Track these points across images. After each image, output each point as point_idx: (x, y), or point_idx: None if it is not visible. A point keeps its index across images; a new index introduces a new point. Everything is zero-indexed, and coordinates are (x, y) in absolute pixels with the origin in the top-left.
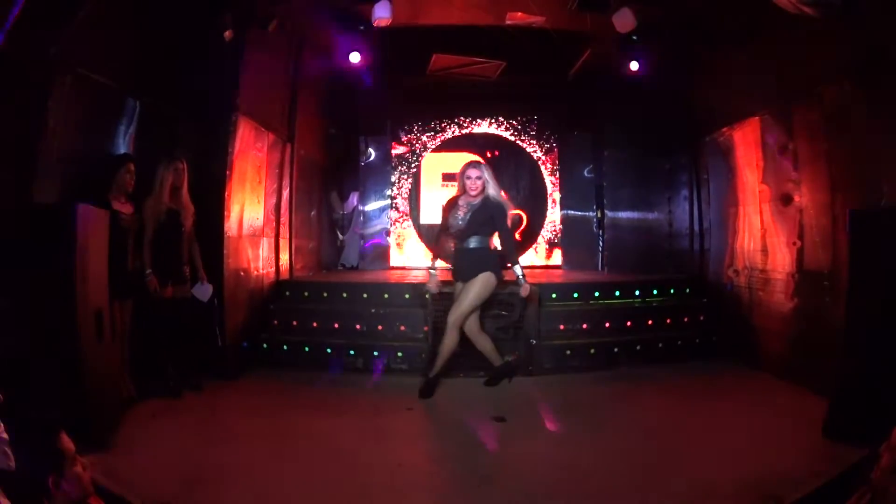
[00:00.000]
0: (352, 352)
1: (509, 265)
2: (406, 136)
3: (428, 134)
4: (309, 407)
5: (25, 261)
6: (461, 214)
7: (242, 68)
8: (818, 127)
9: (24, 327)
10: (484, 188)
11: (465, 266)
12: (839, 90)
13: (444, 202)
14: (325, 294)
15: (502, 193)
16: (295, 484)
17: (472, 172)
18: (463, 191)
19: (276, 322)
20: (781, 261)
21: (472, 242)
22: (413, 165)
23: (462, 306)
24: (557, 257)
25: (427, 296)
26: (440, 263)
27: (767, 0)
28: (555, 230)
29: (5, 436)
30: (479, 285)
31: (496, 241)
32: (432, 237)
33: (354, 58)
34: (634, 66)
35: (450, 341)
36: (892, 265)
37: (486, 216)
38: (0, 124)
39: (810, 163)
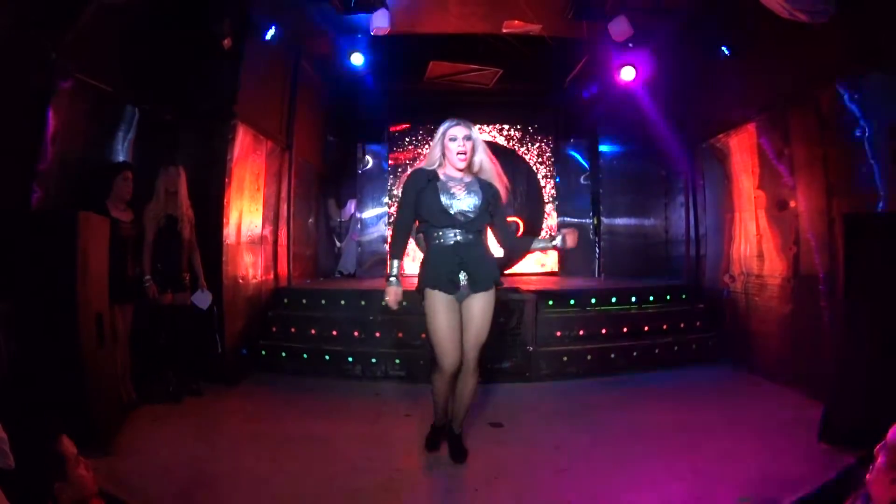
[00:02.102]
0: (350, 359)
1: (511, 259)
2: (403, 143)
3: (425, 141)
4: (307, 413)
5: (27, 266)
6: (460, 194)
7: (241, 76)
8: (813, 132)
9: (26, 332)
10: (472, 156)
11: (476, 270)
12: (834, 94)
13: (409, 178)
14: (324, 301)
15: (494, 163)
16: (293, 488)
17: (459, 132)
18: (440, 161)
19: (274, 329)
20: (777, 266)
21: (477, 236)
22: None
23: (483, 332)
24: (554, 264)
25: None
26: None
27: (761, 6)
28: (551, 237)
29: (4, 434)
30: (492, 299)
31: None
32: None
33: (357, 59)
34: (628, 75)
35: (474, 383)
36: (886, 269)
37: (490, 197)
38: (1, 130)
39: (806, 168)
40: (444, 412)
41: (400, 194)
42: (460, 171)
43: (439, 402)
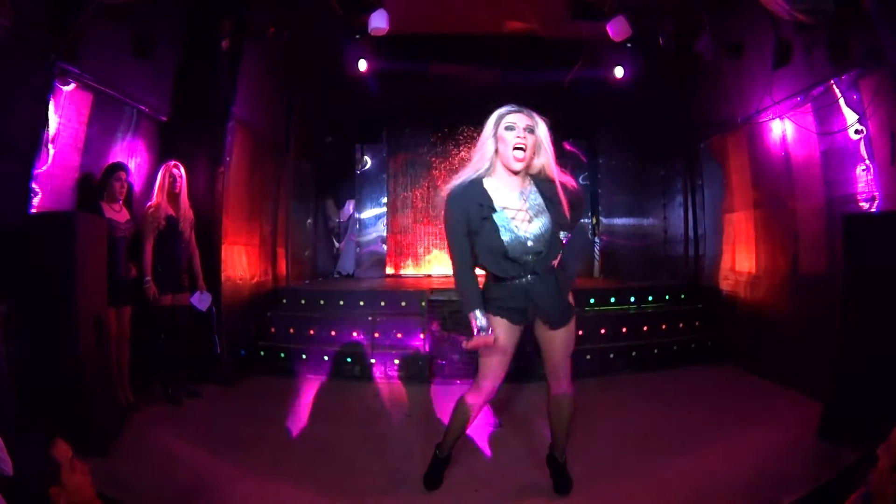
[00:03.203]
0: (349, 359)
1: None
2: (402, 143)
3: (423, 141)
4: (307, 414)
5: (26, 268)
6: (524, 225)
7: (239, 77)
8: (811, 132)
9: (25, 334)
10: (532, 157)
11: (551, 310)
12: (832, 95)
13: (452, 206)
14: (322, 302)
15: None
16: (294, 490)
17: (520, 120)
18: (490, 161)
19: (273, 329)
20: (776, 265)
21: (548, 268)
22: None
23: (569, 351)
24: None
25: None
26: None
27: (760, 7)
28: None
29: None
30: (572, 325)
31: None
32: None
33: (363, 66)
34: (619, 72)
35: (570, 404)
36: (885, 268)
37: (561, 212)
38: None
39: (804, 167)
40: (453, 444)
41: (445, 227)
42: (514, 173)
43: (453, 433)
